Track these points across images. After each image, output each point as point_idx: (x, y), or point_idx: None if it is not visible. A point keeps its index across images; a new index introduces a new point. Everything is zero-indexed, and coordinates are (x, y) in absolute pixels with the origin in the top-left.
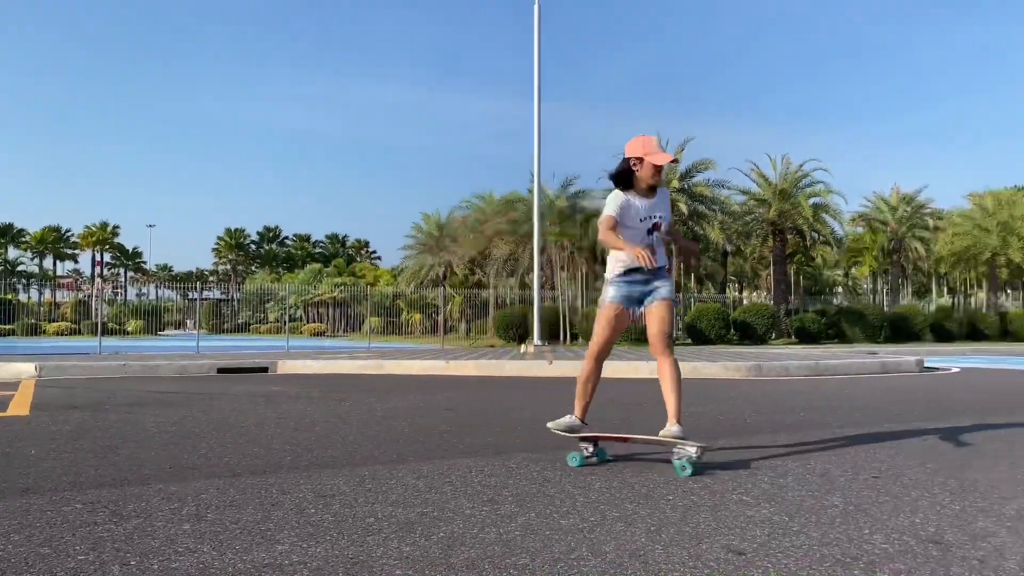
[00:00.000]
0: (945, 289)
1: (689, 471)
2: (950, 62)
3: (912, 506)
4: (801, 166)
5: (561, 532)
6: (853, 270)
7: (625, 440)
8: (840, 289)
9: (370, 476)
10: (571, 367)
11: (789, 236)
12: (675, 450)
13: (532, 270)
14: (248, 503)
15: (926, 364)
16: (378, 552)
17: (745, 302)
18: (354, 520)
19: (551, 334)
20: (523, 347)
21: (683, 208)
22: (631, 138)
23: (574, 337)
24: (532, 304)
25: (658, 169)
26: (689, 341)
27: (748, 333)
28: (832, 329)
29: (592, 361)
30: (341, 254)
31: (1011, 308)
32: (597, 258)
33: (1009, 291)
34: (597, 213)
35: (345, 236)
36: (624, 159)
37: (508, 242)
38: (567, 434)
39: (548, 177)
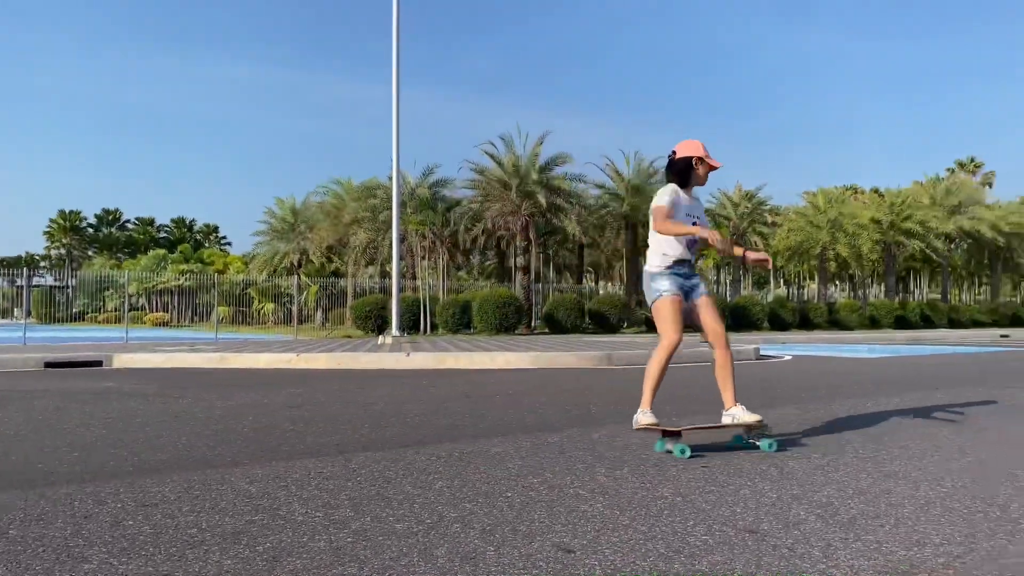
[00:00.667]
0: (781, 281)
1: (775, 446)
2: (792, 67)
3: (734, 496)
4: (652, 163)
5: (395, 537)
6: (699, 262)
7: (702, 429)
8: None
9: (200, 482)
10: (430, 359)
11: (641, 230)
12: (752, 431)
13: (392, 258)
14: (58, 516)
15: (762, 352)
16: (196, 567)
17: (600, 292)
18: (175, 531)
19: (411, 324)
20: (381, 338)
21: (541, 200)
22: (682, 144)
23: (434, 327)
24: (391, 293)
25: (711, 171)
26: (546, 330)
27: (602, 322)
28: None
29: (667, 361)
30: (188, 239)
31: (839, 299)
32: (459, 247)
33: (837, 283)
34: (459, 202)
35: (193, 220)
36: (683, 158)
37: (367, 229)
38: (653, 429)
39: (409, 164)
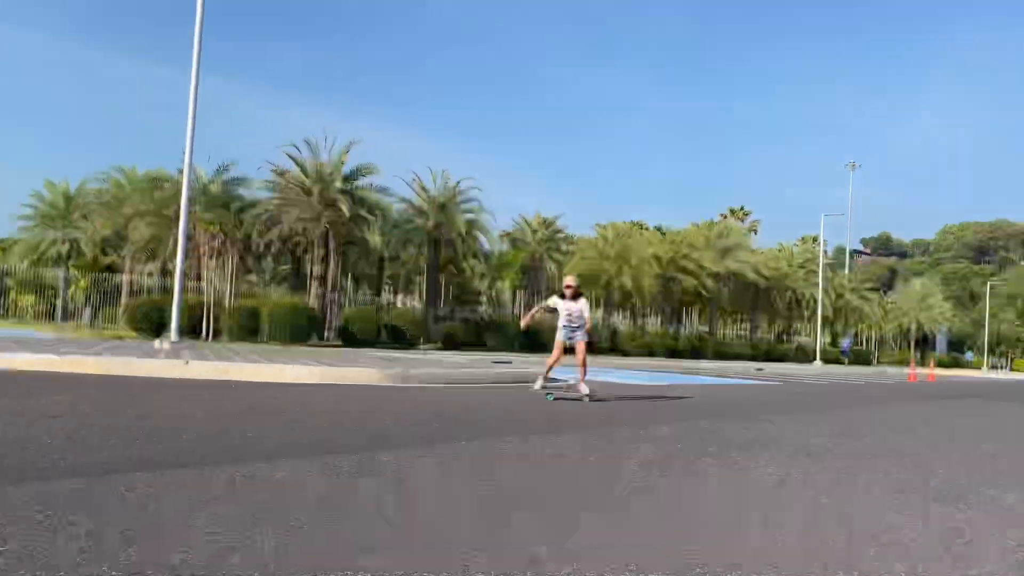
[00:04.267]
0: None
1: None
2: (595, 106)
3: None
4: (458, 183)
5: (169, 573)
6: (497, 283)
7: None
8: (484, 299)
9: None
10: (211, 368)
11: (444, 247)
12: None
13: (175, 256)
14: None
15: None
16: None
17: (399, 306)
18: None
19: (192, 329)
20: (158, 343)
21: (344, 209)
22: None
23: (218, 334)
24: (172, 293)
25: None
26: (341, 343)
27: (399, 337)
28: (476, 337)
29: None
30: None
31: (621, 327)
32: (251, 250)
33: (620, 312)
34: (255, 203)
35: None
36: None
37: (150, 224)
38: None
39: (203, 158)
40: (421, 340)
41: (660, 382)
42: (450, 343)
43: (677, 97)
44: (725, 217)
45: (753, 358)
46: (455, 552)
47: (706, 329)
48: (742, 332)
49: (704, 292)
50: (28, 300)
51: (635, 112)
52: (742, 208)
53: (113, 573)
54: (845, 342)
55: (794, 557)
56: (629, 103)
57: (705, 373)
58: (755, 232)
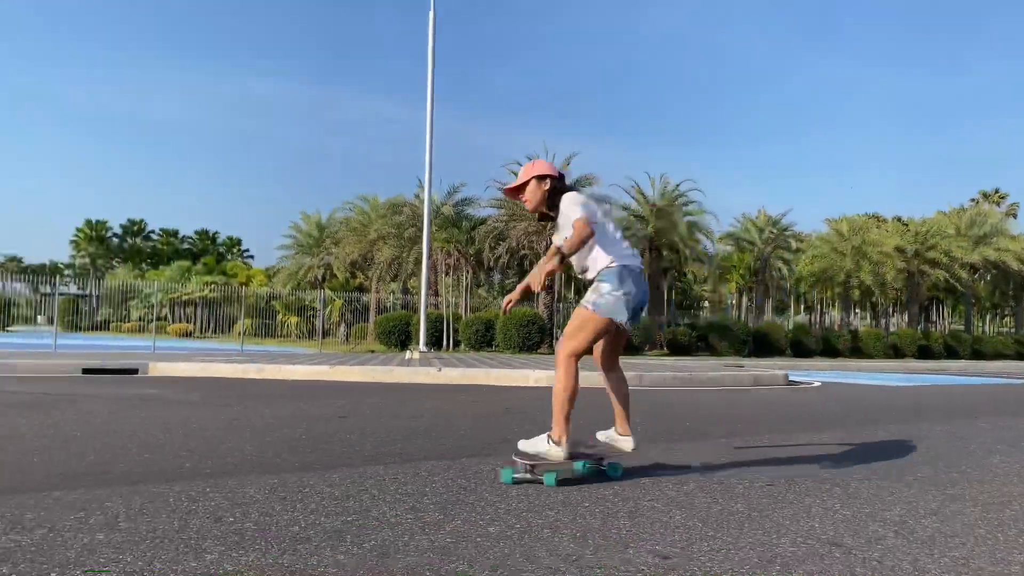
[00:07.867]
0: (802, 307)
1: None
2: (816, 96)
3: (808, 512)
4: (678, 186)
5: (492, 539)
6: (721, 286)
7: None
8: (707, 304)
9: (280, 484)
10: (459, 375)
11: (665, 252)
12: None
13: (416, 275)
14: (160, 511)
15: (790, 378)
16: (313, 560)
17: None
18: (278, 528)
19: (434, 340)
20: (408, 353)
21: None
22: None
23: (456, 344)
24: (417, 309)
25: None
26: None
27: (625, 345)
28: (701, 342)
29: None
30: (211, 251)
31: (861, 327)
32: (483, 265)
33: (859, 311)
34: (483, 221)
35: (216, 233)
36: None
37: (392, 246)
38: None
39: (435, 183)
40: (647, 346)
41: (908, 383)
42: (675, 348)
43: (906, 75)
44: (977, 202)
45: (1020, 356)
46: None
47: (959, 326)
48: (1004, 328)
49: (957, 285)
50: (292, 320)
51: (858, 97)
52: (996, 191)
53: (448, 540)
54: None
55: None
56: (851, 88)
57: (964, 373)
58: (1014, 216)
